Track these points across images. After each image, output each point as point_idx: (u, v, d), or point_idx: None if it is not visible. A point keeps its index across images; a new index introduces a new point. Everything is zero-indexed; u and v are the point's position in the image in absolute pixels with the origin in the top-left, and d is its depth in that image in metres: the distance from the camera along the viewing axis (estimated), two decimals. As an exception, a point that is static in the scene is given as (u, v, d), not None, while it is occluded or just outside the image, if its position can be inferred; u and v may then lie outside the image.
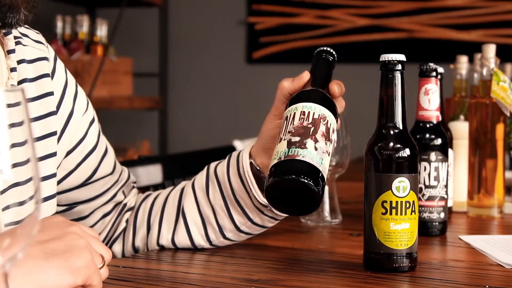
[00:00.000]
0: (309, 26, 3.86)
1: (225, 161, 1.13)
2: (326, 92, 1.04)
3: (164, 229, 1.13)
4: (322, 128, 0.97)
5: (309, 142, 0.94)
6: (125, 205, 1.18)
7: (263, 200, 1.06)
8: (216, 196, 1.11)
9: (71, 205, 1.15)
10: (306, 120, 0.97)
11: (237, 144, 2.46)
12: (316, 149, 0.94)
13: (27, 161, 0.57)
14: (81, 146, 1.10)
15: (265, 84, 3.94)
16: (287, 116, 1.00)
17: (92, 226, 1.17)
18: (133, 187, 1.22)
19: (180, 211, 1.13)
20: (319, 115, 0.98)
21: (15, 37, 1.00)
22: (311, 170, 0.93)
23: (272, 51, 3.91)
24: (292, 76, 1.08)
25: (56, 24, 3.46)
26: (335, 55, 1.15)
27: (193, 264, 1.02)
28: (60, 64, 1.08)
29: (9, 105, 0.56)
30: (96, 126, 1.14)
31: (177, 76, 4.03)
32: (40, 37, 1.07)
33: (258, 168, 1.09)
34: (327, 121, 0.98)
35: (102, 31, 3.55)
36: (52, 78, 1.05)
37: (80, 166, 1.11)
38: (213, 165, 1.15)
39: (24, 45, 1.01)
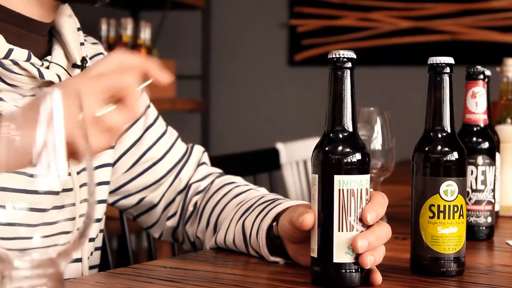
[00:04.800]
0: (351, 28, 3.84)
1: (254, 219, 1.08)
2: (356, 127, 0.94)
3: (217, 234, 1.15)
4: None
5: None
6: (190, 186, 1.22)
7: (273, 259, 1.04)
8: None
9: (142, 192, 1.21)
10: (366, 202, 0.92)
11: (280, 147, 2.47)
12: None
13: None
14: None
15: (307, 86, 3.94)
16: (355, 190, 0.90)
17: (170, 204, 1.22)
18: (202, 163, 1.25)
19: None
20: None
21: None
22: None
23: (314, 53, 3.91)
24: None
25: (101, 27, 3.51)
26: (354, 58, 0.93)
27: (240, 266, 1.03)
28: None
29: None
30: (160, 122, 1.24)
31: (219, 78, 4.05)
32: (96, 41, 1.21)
33: (276, 235, 1.04)
34: None
35: (145, 34, 3.58)
36: None
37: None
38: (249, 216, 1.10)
39: (85, 46, 1.13)
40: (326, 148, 0.92)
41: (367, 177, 0.92)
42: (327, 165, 0.91)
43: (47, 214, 0.89)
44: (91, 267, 1.12)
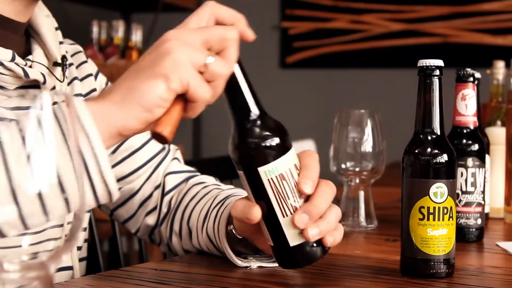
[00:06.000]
0: (343, 30, 3.85)
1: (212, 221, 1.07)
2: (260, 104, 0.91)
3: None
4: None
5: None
6: (164, 180, 1.21)
7: (243, 264, 1.02)
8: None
9: (119, 182, 1.19)
10: (297, 177, 0.89)
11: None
12: None
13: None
14: None
15: (299, 89, 3.94)
16: (284, 173, 0.88)
17: (147, 199, 1.20)
18: (174, 158, 1.24)
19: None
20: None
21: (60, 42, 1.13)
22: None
23: (306, 56, 3.91)
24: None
25: (92, 29, 3.50)
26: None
27: (230, 268, 1.03)
28: (89, 59, 1.24)
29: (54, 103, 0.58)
30: None
31: (210, 80, 4.05)
32: (73, 42, 1.23)
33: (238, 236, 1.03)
34: None
35: (137, 36, 3.58)
36: (87, 62, 1.21)
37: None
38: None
39: (64, 45, 1.14)
40: (239, 142, 0.89)
41: (291, 153, 0.89)
42: (247, 160, 0.88)
43: None
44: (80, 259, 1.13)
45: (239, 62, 0.89)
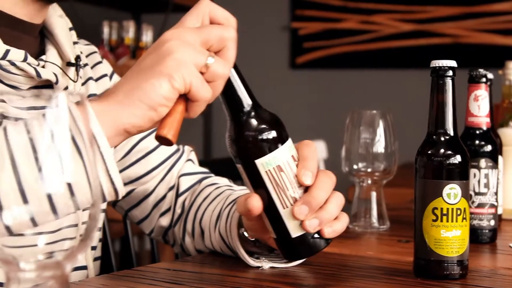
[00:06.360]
0: (353, 31, 3.85)
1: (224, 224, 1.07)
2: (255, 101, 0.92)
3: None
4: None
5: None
6: (178, 181, 1.21)
7: (256, 264, 1.02)
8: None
9: (134, 183, 1.19)
10: (295, 168, 0.90)
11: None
12: None
13: None
14: None
15: (309, 89, 3.94)
16: (281, 164, 0.89)
17: (161, 200, 1.21)
18: (188, 160, 1.25)
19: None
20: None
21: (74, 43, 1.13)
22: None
23: (316, 56, 3.91)
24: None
25: (103, 30, 3.51)
26: None
27: (243, 269, 1.03)
28: (105, 60, 1.23)
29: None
30: None
31: (221, 81, 4.05)
32: (88, 42, 1.22)
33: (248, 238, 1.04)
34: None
35: (147, 37, 3.59)
36: (102, 62, 1.21)
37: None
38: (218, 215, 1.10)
39: (79, 45, 1.14)
40: (236, 136, 0.90)
41: (288, 144, 0.90)
42: (244, 153, 0.89)
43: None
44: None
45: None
